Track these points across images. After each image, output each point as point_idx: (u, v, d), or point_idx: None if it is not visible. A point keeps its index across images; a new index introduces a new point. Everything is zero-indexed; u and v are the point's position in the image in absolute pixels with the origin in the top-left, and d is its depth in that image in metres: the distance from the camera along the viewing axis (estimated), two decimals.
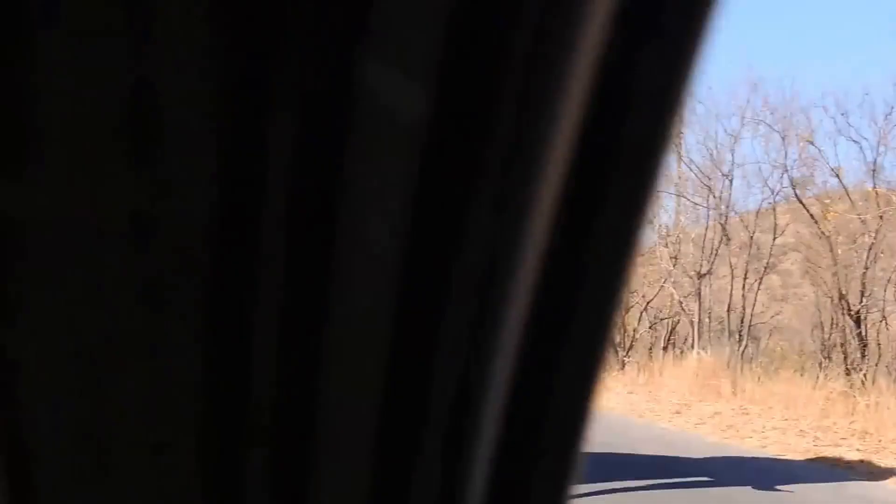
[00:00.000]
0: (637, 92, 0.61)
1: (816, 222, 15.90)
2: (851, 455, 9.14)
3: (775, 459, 8.98)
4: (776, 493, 7.30)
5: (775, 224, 17.21)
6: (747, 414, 11.92)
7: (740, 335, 17.09)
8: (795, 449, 9.52)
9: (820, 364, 15.54)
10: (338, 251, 0.54)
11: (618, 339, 20.49)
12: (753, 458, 8.96)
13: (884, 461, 8.84)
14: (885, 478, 8.06)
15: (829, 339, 16.18)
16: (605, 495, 6.69)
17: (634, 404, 13.11)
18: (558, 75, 0.54)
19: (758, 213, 17.33)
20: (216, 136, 0.51)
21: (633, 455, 8.85)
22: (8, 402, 0.59)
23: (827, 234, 15.43)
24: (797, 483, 7.64)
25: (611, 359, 19.70)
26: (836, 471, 8.46)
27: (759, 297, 21.23)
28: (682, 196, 18.85)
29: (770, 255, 17.26)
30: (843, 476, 8.16)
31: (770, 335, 21.58)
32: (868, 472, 8.36)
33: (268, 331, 0.56)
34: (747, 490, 7.29)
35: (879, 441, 9.82)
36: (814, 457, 9.12)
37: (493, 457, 0.66)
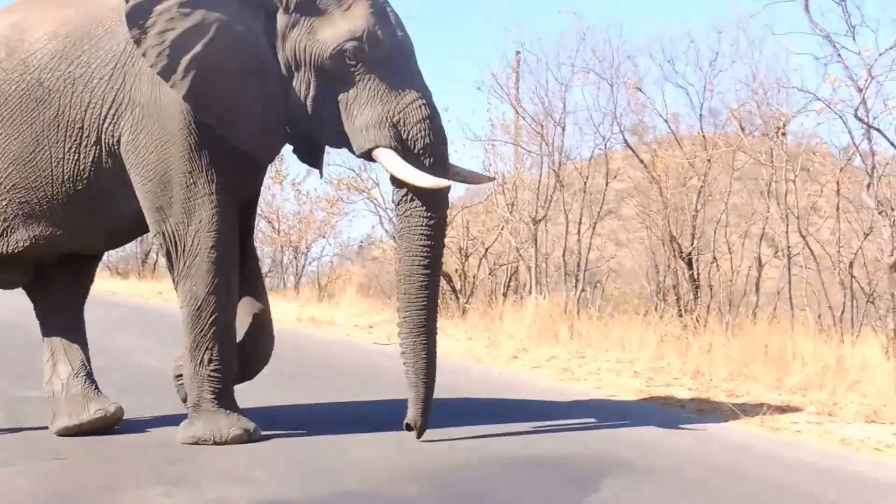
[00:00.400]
0: None
1: (646, 167, 16.19)
2: (682, 394, 9.35)
3: (608, 399, 9.11)
4: (607, 429, 7.42)
5: (608, 170, 17.49)
6: (583, 357, 12.08)
7: (577, 280, 17.32)
8: (628, 389, 9.68)
9: (655, 306, 15.86)
10: None
11: (458, 285, 20.66)
12: (588, 399, 9.08)
13: (713, 398, 9.07)
14: (713, 414, 8.25)
15: (663, 281, 16.55)
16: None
17: (473, 350, 13.18)
18: None
19: (591, 159, 17.56)
20: None
21: (468, 399, 8.90)
22: None
23: (656, 178, 15.71)
24: (627, 420, 7.78)
25: (452, 305, 19.85)
26: (667, 409, 8.63)
27: (601, 243, 21.63)
28: (517, 145, 19.01)
29: (603, 200, 17.52)
30: (674, 414, 8.33)
31: (607, 278, 22.04)
32: (697, 409, 8.55)
33: None
34: (578, 430, 7.39)
35: (710, 380, 10.07)
36: (646, 396, 9.29)
37: None
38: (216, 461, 6.35)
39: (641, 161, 16.48)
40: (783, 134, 13.92)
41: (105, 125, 6.80)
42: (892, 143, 10.56)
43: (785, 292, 14.41)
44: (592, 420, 7.84)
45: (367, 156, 6.74)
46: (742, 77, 15.88)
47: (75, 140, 6.85)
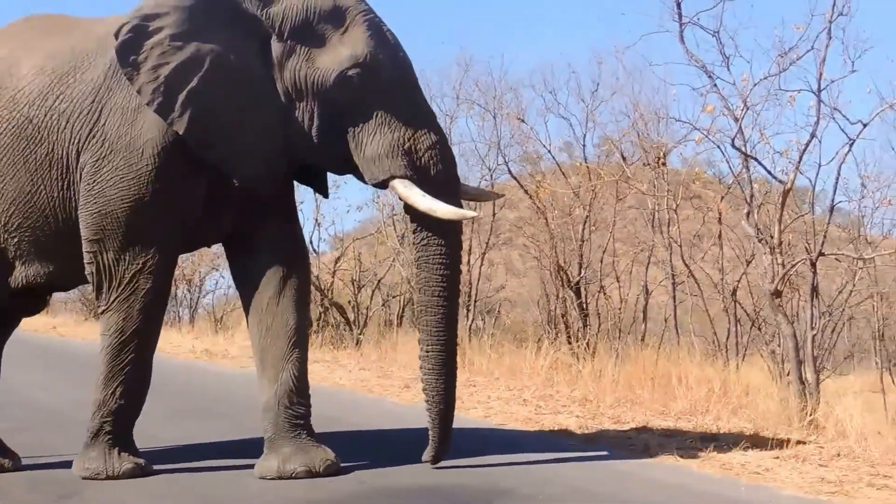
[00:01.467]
0: None
1: (531, 197, 16.36)
2: (570, 421, 9.39)
3: (498, 428, 9.13)
4: (496, 459, 7.42)
5: (494, 202, 17.62)
6: (474, 386, 12.08)
7: (468, 310, 17.40)
8: (517, 417, 9.70)
9: (545, 335, 15.99)
10: None
11: (352, 317, 20.62)
12: (478, 428, 9.09)
13: (599, 425, 9.14)
14: (600, 442, 8.32)
15: (553, 310, 16.71)
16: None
17: (365, 380, 13.14)
18: None
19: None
20: None
21: (360, 430, 8.85)
22: None
23: (541, 208, 15.89)
24: (515, 449, 7.80)
25: (346, 336, 19.80)
26: (555, 437, 8.68)
27: (496, 272, 21.76)
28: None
29: (491, 231, 17.67)
30: (562, 443, 8.37)
31: (500, 308, 22.17)
32: (585, 437, 8.61)
33: None
34: (467, 459, 7.37)
35: (598, 407, 10.15)
36: (535, 424, 9.32)
37: None
38: (107, 496, 6.26)
39: (526, 192, 16.65)
40: (663, 164, 14.17)
41: (78, 160, 6.62)
42: (769, 172, 10.83)
43: (671, 319, 14.64)
44: (482, 450, 7.84)
45: (382, 185, 6.58)
46: (623, 108, 16.22)
47: (66, 178, 6.67)
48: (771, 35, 15.02)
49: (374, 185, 6.64)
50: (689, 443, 8.17)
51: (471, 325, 17.12)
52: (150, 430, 7.77)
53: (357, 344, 18.63)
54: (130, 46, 6.30)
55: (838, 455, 7.49)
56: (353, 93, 6.36)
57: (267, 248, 6.95)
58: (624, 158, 15.59)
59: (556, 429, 9.09)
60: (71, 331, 26.19)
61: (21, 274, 7.04)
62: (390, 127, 6.39)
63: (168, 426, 8.70)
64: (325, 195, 7.59)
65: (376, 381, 13.00)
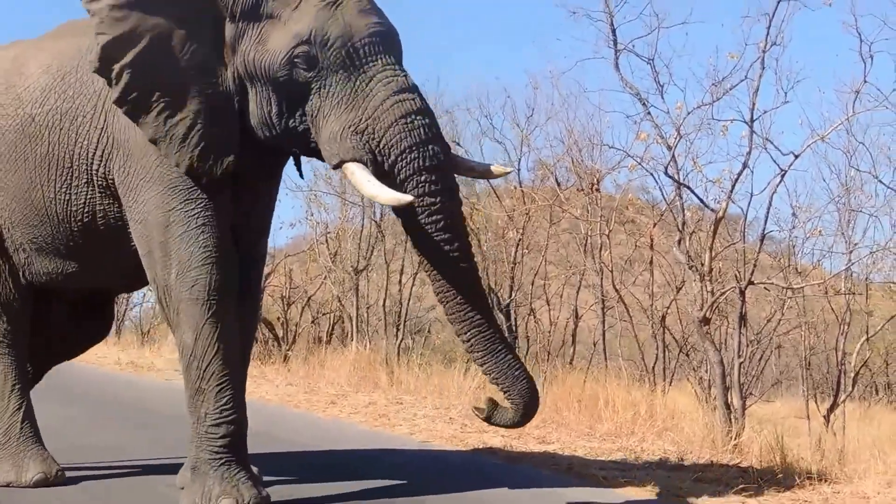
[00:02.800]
0: None
1: (464, 220, 16.39)
2: (495, 440, 9.37)
3: (423, 447, 9.10)
4: (418, 477, 7.39)
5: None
6: (401, 404, 12.06)
7: (398, 328, 17.40)
8: (442, 435, 9.68)
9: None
10: None
11: (280, 333, 20.54)
12: (402, 447, 9.05)
13: (524, 445, 9.14)
14: (524, 461, 8.32)
15: None
16: None
17: (292, 395, 13.07)
18: None
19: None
20: None
21: (285, 448, 8.77)
22: None
23: (475, 231, 15.94)
24: (439, 468, 7.78)
25: (274, 352, 19.71)
26: (479, 456, 8.67)
27: (428, 292, 21.77)
28: (341, 196, 19.08)
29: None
30: (485, 461, 8.37)
31: (430, 328, 22.18)
32: (508, 456, 8.61)
33: None
34: (389, 478, 7.34)
35: (524, 427, 10.13)
36: (460, 443, 9.30)
37: None
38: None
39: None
40: (597, 189, 14.28)
41: (95, 167, 6.33)
42: (700, 200, 10.92)
43: (600, 343, 14.73)
44: (406, 467, 7.79)
45: (337, 169, 5.95)
46: (557, 133, 16.36)
47: (65, 180, 6.42)
48: (705, 64, 15.22)
49: (334, 169, 6.15)
50: (612, 464, 8.21)
51: (400, 345, 17.13)
52: (71, 439, 7.66)
53: (285, 360, 18.53)
54: (87, 11, 6.00)
55: (760, 479, 7.54)
56: (305, 74, 5.79)
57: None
58: (558, 183, 15.69)
59: (480, 447, 9.07)
60: None
61: (28, 270, 6.90)
62: (346, 107, 5.75)
63: (89, 435, 8.57)
64: (300, 172, 6.76)
65: (303, 397, 12.94)
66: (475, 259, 6.00)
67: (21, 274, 6.94)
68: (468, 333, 5.76)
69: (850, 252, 13.80)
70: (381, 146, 5.68)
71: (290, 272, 21.05)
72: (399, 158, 5.66)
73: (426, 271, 5.92)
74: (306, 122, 5.89)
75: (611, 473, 7.76)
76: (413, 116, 5.69)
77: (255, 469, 6.30)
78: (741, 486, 7.11)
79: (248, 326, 6.63)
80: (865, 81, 10.62)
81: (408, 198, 5.57)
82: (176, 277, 6.01)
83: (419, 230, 5.69)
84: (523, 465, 8.12)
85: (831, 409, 13.45)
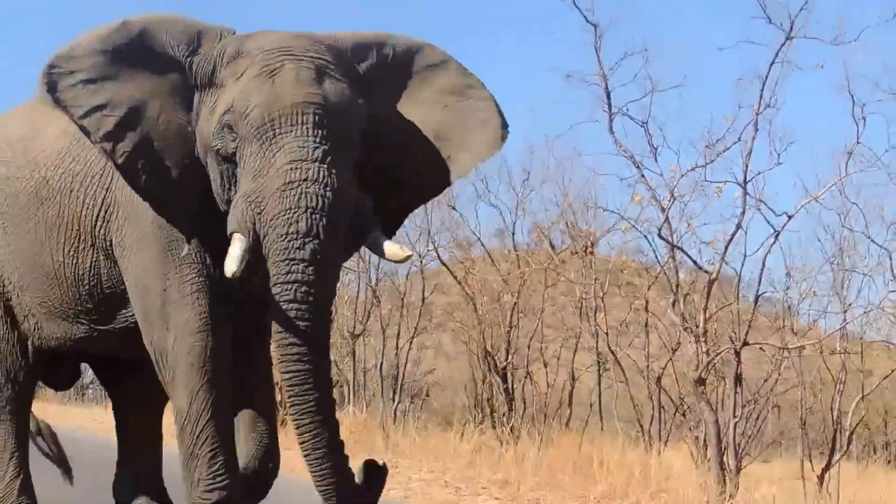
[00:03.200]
0: None
1: (459, 283, 16.47)
2: (489, 503, 9.40)
3: None
4: None
5: (423, 286, 17.78)
6: (396, 468, 12.01)
7: (394, 392, 17.42)
8: (436, 499, 9.70)
9: (474, 418, 16.00)
10: None
11: (279, 397, 20.52)
12: None
13: None
14: None
15: (480, 394, 16.75)
16: None
17: (289, 461, 12.95)
18: None
19: (408, 276, 17.96)
20: None
21: None
22: None
23: (470, 294, 15.99)
24: None
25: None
26: None
27: (426, 356, 21.86)
28: None
29: (420, 316, 17.78)
30: None
31: (427, 391, 22.19)
32: None
33: None
34: None
35: (518, 489, 10.15)
36: None
37: None
38: None
39: (455, 278, 16.77)
40: (591, 252, 14.35)
41: (97, 228, 6.28)
42: (694, 262, 10.98)
43: (597, 405, 14.75)
44: None
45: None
46: (552, 196, 16.46)
47: (73, 243, 6.36)
48: (698, 127, 15.32)
49: None
50: None
51: (396, 408, 17.14)
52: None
53: (282, 424, 18.46)
54: (48, 89, 5.86)
55: None
56: (231, 143, 5.56)
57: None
58: (553, 247, 15.79)
59: None
60: None
61: (37, 335, 6.84)
62: (252, 177, 5.43)
63: (88, 500, 8.57)
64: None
65: (300, 462, 12.84)
66: (328, 354, 5.41)
67: (30, 341, 6.89)
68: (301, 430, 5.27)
69: (845, 311, 13.86)
70: (261, 213, 5.26)
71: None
72: (269, 224, 5.21)
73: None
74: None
75: None
76: (296, 184, 5.21)
77: None
78: None
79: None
80: (858, 142, 10.73)
81: (231, 270, 5.21)
82: (173, 342, 5.90)
83: (277, 328, 5.24)
84: None
85: (825, 469, 13.41)
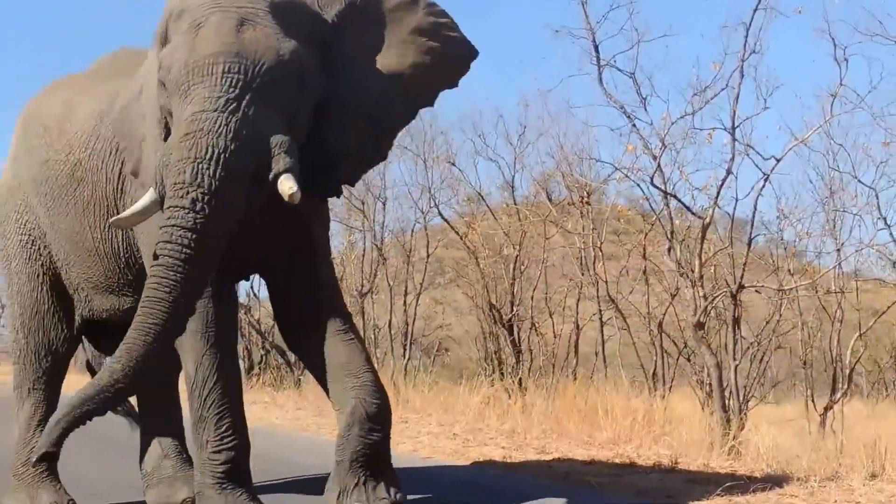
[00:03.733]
0: None
1: (462, 239, 16.58)
2: (495, 453, 9.54)
3: (423, 463, 9.23)
4: (417, 490, 7.50)
5: (428, 243, 17.89)
6: (406, 422, 12.21)
7: (405, 348, 17.58)
8: (444, 451, 9.86)
9: (483, 371, 16.18)
10: None
11: (293, 358, 20.73)
12: (404, 463, 9.16)
13: (523, 456, 9.30)
14: (522, 470, 8.47)
15: (489, 347, 16.92)
16: None
17: (300, 419, 13.30)
18: None
19: (413, 233, 18.07)
20: None
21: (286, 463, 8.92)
22: None
23: (472, 249, 16.11)
24: (438, 481, 7.92)
25: (286, 377, 19.92)
26: (476, 468, 8.83)
27: (439, 312, 22.01)
28: (341, 222, 19.30)
29: (425, 271, 17.91)
30: (484, 472, 8.53)
31: (438, 346, 22.36)
32: (506, 466, 8.77)
33: None
34: None
35: (525, 438, 10.31)
36: (460, 457, 9.47)
37: None
38: None
39: (457, 233, 16.89)
40: (587, 203, 14.44)
41: (120, 201, 6.55)
42: (687, 208, 11.08)
43: (602, 353, 14.89)
44: (405, 483, 7.93)
45: None
46: (548, 149, 16.56)
47: (106, 219, 6.59)
48: (687, 75, 15.37)
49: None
50: (607, 470, 8.35)
51: (406, 364, 17.33)
52: (79, 469, 7.83)
53: (297, 385, 18.70)
54: None
55: (749, 478, 7.66)
56: (165, 101, 5.75)
57: (297, 288, 6.49)
58: (550, 199, 15.89)
59: (480, 459, 9.22)
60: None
61: (86, 307, 7.12)
62: (172, 133, 5.60)
63: (94, 465, 8.77)
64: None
65: (312, 420, 13.14)
66: (190, 293, 5.50)
67: (79, 312, 7.18)
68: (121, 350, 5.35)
69: (838, 251, 13.95)
70: (166, 166, 5.42)
71: None
72: (166, 174, 5.39)
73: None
74: None
75: (605, 479, 7.89)
76: (191, 135, 5.35)
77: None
78: (729, 485, 7.19)
79: (348, 345, 6.37)
80: (842, 84, 10.79)
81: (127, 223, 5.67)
82: (176, 309, 5.74)
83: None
84: (521, 476, 8.26)
85: (827, 408, 13.55)
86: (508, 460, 9.10)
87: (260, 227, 6.01)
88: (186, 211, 5.28)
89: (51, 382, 7.28)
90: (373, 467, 6.18)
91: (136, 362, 5.22)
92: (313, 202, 6.28)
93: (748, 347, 14.47)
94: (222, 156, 5.33)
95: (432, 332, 21.65)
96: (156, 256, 5.35)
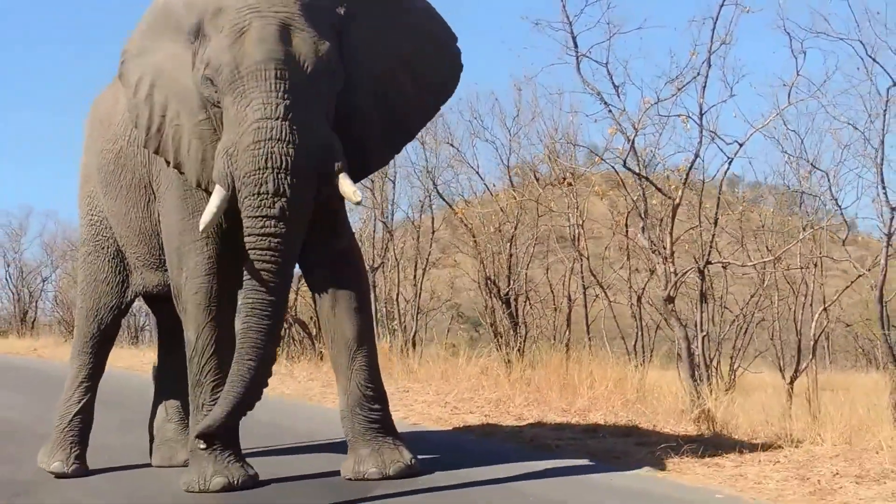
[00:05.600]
0: None
1: (461, 218, 17.08)
2: (475, 420, 10.09)
3: (410, 428, 9.69)
4: None
5: (433, 220, 18.40)
6: (407, 391, 12.72)
7: (415, 319, 18.15)
8: (431, 418, 10.39)
9: (495, 342, 16.68)
10: None
11: (314, 331, 21.30)
12: None
13: (499, 422, 9.82)
14: (494, 435, 9.00)
15: (487, 320, 17.46)
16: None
17: (309, 389, 13.84)
18: None
19: (421, 211, 18.63)
20: None
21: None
22: None
23: (470, 227, 16.62)
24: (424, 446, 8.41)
25: (309, 349, 20.46)
26: (454, 432, 9.38)
27: (443, 285, 22.51)
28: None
29: (430, 247, 18.45)
30: (461, 437, 9.08)
31: (449, 317, 22.91)
32: (483, 431, 9.31)
33: None
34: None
35: (508, 407, 10.80)
36: (444, 423, 10.02)
37: None
38: (54, 491, 6.98)
39: (454, 211, 17.39)
40: (570, 184, 14.93)
41: (152, 183, 7.15)
42: (658, 189, 11.54)
43: (592, 327, 15.42)
44: None
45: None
46: (536, 133, 17.07)
47: (146, 200, 7.24)
48: (662, 64, 15.79)
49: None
50: (571, 434, 8.86)
51: (414, 336, 17.90)
52: (103, 440, 8.39)
53: (321, 358, 19.24)
54: (120, 73, 6.92)
55: (699, 440, 8.16)
56: (212, 94, 6.28)
57: (319, 262, 7.01)
58: (537, 180, 16.41)
59: (460, 426, 9.76)
60: (51, 352, 26.62)
61: (140, 282, 7.75)
62: (226, 129, 6.19)
63: (119, 435, 9.38)
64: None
65: (319, 390, 13.68)
66: (287, 287, 6.41)
67: (132, 289, 7.81)
68: (241, 339, 6.09)
69: (805, 229, 14.40)
70: (238, 168, 6.00)
71: None
72: (245, 183, 5.97)
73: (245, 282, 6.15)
74: None
75: (566, 442, 8.41)
76: (262, 143, 5.93)
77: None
78: (670, 445, 7.65)
79: (355, 314, 6.92)
80: (798, 75, 11.29)
81: (204, 221, 6.10)
82: (185, 281, 6.76)
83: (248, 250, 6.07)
84: (489, 440, 8.79)
85: (793, 378, 14.02)
86: (486, 427, 9.60)
87: None
88: (277, 220, 6.01)
89: (97, 348, 7.88)
90: (382, 437, 6.89)
91: (263, 363, 6.08)
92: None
93: (734, 320, 15.07)
94: (295, 164, 5.99)
95: (440, 306, 22.17)
96: (251, 260, 6.05)
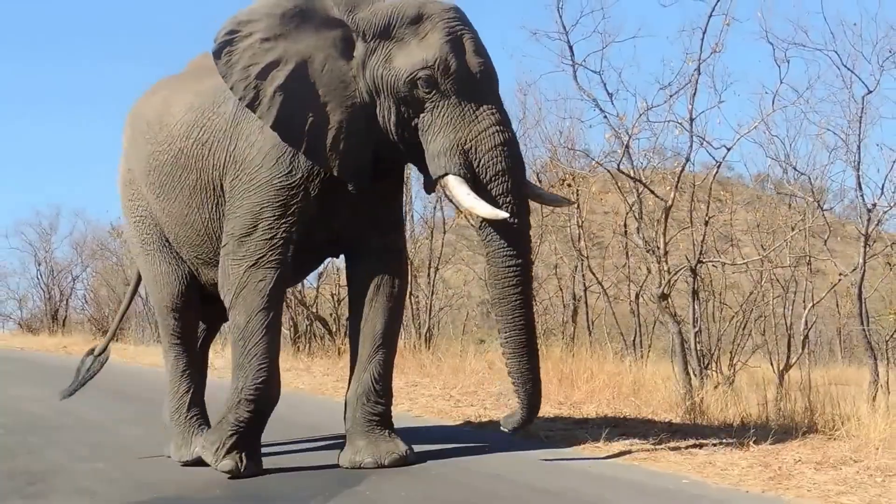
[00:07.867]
0: None
1: (466, 217, 17.25)
2: (474, 412, 10.30)
3: (412, 422, 9.89)
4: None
5: (444, 218, 18.60)
6: (416, 385, 12.92)
7: (429, 314, 18.36)
8: (433, 410, 10.56)
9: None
10: None
11: (333, 328, 21.54)
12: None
13: (497, 415, 9.92)
14: (488, 426, 9.17)
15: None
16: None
17: (322, 384, 14.05)
18: None
19: (435, 208, 18.85)
20: None
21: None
22: None
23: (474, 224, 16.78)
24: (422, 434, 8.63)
25: (328, 346, 20.69)
26: (451, 424, 9.62)
27: (464, 283, 22.71)
28: None
29: (442, 248, 18.66)
30: (456, 429, 9.32)
31: (466, 314, 23.09)
32: (479, 423, 9.48)
33: None
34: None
35: (508, 400, 10.87)
36: (445, 415, 10.22)
37: None
38: (67, 479, 7.16)
39: (461, 213, 17.58)
40: (569, 186, 15.14)
41: (223, 186, 7.22)
42: (651, 192, 11.74)
43: (595, 323, 15.60)
44: None
45: (438, 182, 6.69)
46: (538, 137, 17.26)
47: (213, 201, 7.33)
48: (654, 72, 15.99)
49: (435, 181, 6.72)
50: (563, 425, 9.04)
51: (427, 332, 18.10)
52: (118, 430, 8.61)
53: (339, 354, 19.45)
54: (225, 48, 6.86)
55: (684, 430, 8.35)
56: (424, 93, 6.55)
57: (368, 256, 7.29)
58: (540, 182, 16.59)
59: (458, 418, 9.97)
60: (80, 349, 26.70)
61: (202, 279, 7.87)
62: (455, 127, 6.52)
63: (133, 426, 9.62)
64: (427, 190, 7.33)
65: (332, 385, 13.89)
66: (532, 277, 6.88)
67: (192, 285, 7.93)
68: (506, 335, 6.76)
69: (792, 231, 14.57)
70: (480, 165, 6.47)
71: (339, 271, 22.00)
72: (493, 179, 6.48)
73: (489, 274, 6.74)
74: (418, 134, 6.68)
75: (555, 433, 8.59)
76: (508, 147, 6.54)
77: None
78: (658, 435, 7.91)
79: (389, 310, 7.32)
80: (781, 83, 11.52)
81: (503, 214, 6.44)
82: (248, 268, 6.92)
83: (496, 241, 6.57)
84: (481, 431, 9.00)
85: (784, 370, 14.18)
86: (481, 419, 9.79)
87: (343, 204, 7.05)
88: (524, 218, 6.65)
89: (184, 335, 8.00)
90: (380, 430, 7.19)
91: (537, 357, 6.99)
92: (393, 184, 7.44)
93: (733, 316, 15.24)
94: (523, 168, 6.79)
95: (458, 301, 22.36)
96: (506, 254, 6.58)
